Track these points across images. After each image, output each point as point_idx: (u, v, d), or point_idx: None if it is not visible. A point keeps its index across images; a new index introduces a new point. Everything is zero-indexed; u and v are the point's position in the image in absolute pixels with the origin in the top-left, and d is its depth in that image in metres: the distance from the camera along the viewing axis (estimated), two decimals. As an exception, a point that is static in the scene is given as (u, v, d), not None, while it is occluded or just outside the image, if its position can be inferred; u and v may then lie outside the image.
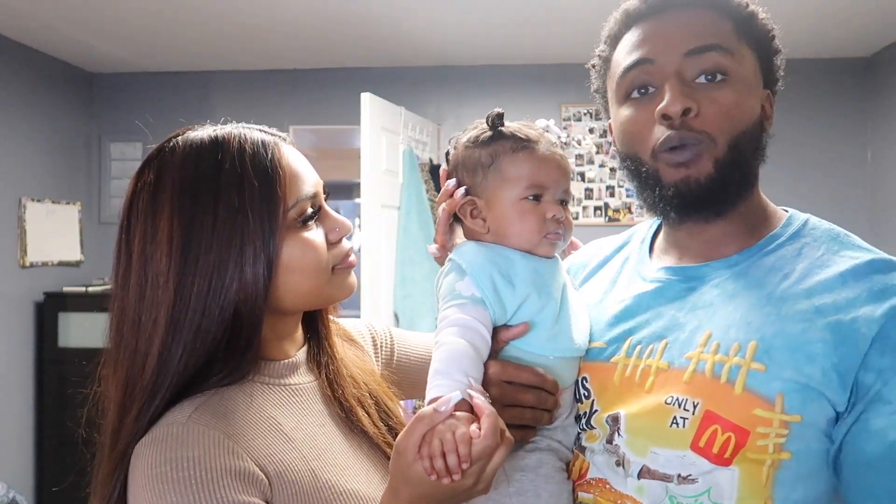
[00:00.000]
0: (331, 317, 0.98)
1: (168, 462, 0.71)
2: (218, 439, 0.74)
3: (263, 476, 0.75)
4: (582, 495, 0.83)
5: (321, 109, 4.11)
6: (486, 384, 0.79)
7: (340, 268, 0.87)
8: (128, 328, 0.80)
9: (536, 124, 0.90)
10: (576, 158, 4.03)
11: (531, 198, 0.86)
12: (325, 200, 0.88)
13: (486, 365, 0.80)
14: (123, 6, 3.07)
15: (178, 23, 3.31)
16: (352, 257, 0.88)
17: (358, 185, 3.35)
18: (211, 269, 0.77)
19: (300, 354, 0.91)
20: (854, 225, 3.74)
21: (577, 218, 4.01)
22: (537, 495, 0.81)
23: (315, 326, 0.95)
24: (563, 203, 0.88)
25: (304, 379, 0.89)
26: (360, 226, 3.35)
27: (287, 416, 0.84)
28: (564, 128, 4.01)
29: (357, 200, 4.83)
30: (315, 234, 0.83)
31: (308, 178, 0.84)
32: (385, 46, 3.70)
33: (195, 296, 0.77)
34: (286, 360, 0.88)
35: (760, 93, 0.84)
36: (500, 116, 0.89)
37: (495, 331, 0.83)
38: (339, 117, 4.07)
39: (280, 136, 0.86)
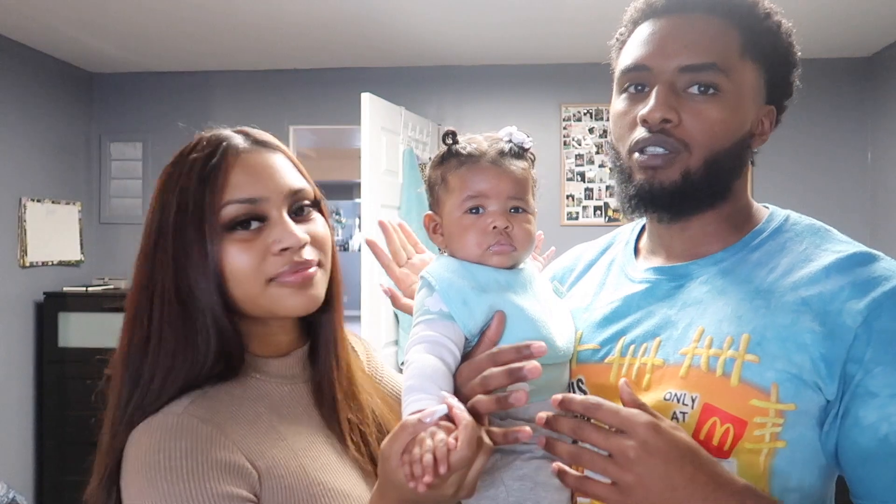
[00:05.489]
0: (345, 331, 0.97)
1: (161, 451, 0.74)
2: (210, 433, 0.77)
3: (253, 470, 0.77)
4: (581, 500, 0.84)
5: (321, 109, 4.11)
6: (458, 387, 0.80)
7: (277, 282, 0.83)
8: (127, 319, 0.86)
9: (500, 132, 0.90)
10: (575, 158, 4.03)
11: (472, 211, 0.87)
12: (299, 212, 0.86)
13: (458, 369, 0.82)
14: (123, 6, 3.07)
15: (179, 23, 3.31)
16: (294, 276, 0.83)
17: (358, 185, 3.35)
18: (170, 265, 0.82)
19: (297, 355, 0.92)
20: (854, 225, 3.77)
21: (576, 218, 4.02)
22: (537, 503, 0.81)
23: (317, 332, 0.94)
24: (518, 210, 0.88)
25: (297, 380, 0.91)
26: (360, 226, 3.36)
27: (279, 414, 0.85)
28: (564, 128, 4.02)
29: (357, 200, 4.82)
30: (247, 242, 0.82)
31: (250, 184, 0.83)
32: (385, 46, 3.71)
33: (163, 289, 0.82)
34: (281, 359, 0.90)
35: (757, 109, 0.85)
36: (450, 134, 0.90)
37: (482, 337, 0.84)
38: (339, 117, 4.07)
39: (261, 142, 0.87)
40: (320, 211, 0.91)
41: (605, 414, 0.71)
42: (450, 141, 0.90)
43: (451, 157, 0.90)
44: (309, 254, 0.85)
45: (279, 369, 0.89)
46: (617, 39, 0.93)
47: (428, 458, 0.67)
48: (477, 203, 0.87)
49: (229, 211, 0.81)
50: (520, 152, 0.89)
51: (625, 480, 0.69)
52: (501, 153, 0.88)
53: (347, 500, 0.83)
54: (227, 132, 0.87)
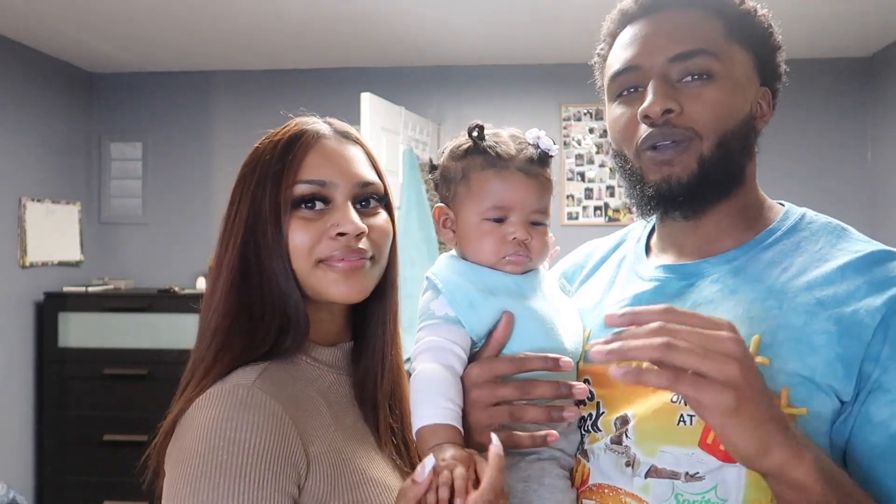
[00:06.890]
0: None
1: (230, 420, 0.74)
2: (278, 412, 0.77)
3: (305, 458, 0.77)
4: (585, 502, 0.83)
5: (321, 109, 4.07)
6: (467, 388, 0.80)
7: (325, 265, 0.85)
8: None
9: (527, 134, 0.87)
10: (575, 158, 4.03)
11: (493, 219, 0.85)
12: (365, 204, 0.89)
13: (465, 370, 0.81)
14: (123, 6, 3.07)
15: (179, 23, 3.31)
16: (342, 263, 0.84)
17: (358, 185, 3.35)
18: (245, 232, 0.85)
19: (343, 349, 0.92)
20: (854, 225, 3.74)
21: (576, 218, 4.02)
22: None
23: (364, 328, 0.94)
24: (536, 224, 0.86)
25: (342, 372, 0.91)
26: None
27: (327, 400, 0.86)
28: (564, 128, 4.02)
29: (357, 200, 4.79)
30: (308, 221, 0.85)
31: (323, 167, 0.87)
32: (385, 46, 3.70)
33: (237, 254, 0.85)
34: (329, 348, 0.90)
35: (754, 91, 0.85)
36: (479, 129, 0.87)
37: (489, 338, 0.83)
38: (339, 117, 4.03)
39: (343, 133, 0.93)
40: (388, 208, 0.93)
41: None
42: (476, 135, 0.86)
43: (476, 154, 0.86)
44: (363, 245, 0.86)
45: (326, 357, 0.90)
46: (598, 55, 0.93)
47: None
48: (501, 214, 0.85)
49: (299, 189, 0.85)
50: (546, 159, 0.86)
51: (728, 373, 0.60)
52: (530, 161, 0.85)
53: (387, 491, 0.83)
54: (314, 119, 0.94)
